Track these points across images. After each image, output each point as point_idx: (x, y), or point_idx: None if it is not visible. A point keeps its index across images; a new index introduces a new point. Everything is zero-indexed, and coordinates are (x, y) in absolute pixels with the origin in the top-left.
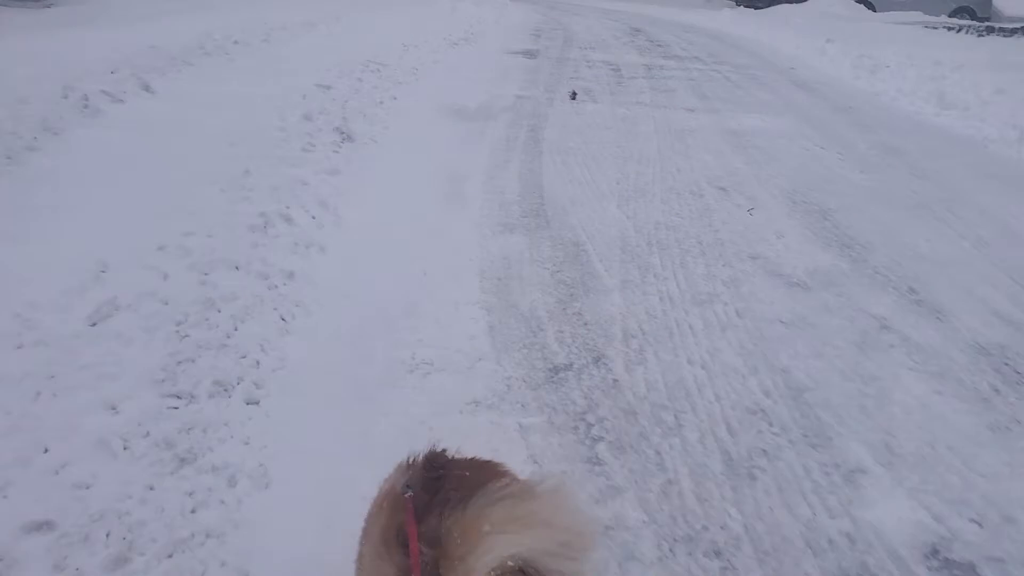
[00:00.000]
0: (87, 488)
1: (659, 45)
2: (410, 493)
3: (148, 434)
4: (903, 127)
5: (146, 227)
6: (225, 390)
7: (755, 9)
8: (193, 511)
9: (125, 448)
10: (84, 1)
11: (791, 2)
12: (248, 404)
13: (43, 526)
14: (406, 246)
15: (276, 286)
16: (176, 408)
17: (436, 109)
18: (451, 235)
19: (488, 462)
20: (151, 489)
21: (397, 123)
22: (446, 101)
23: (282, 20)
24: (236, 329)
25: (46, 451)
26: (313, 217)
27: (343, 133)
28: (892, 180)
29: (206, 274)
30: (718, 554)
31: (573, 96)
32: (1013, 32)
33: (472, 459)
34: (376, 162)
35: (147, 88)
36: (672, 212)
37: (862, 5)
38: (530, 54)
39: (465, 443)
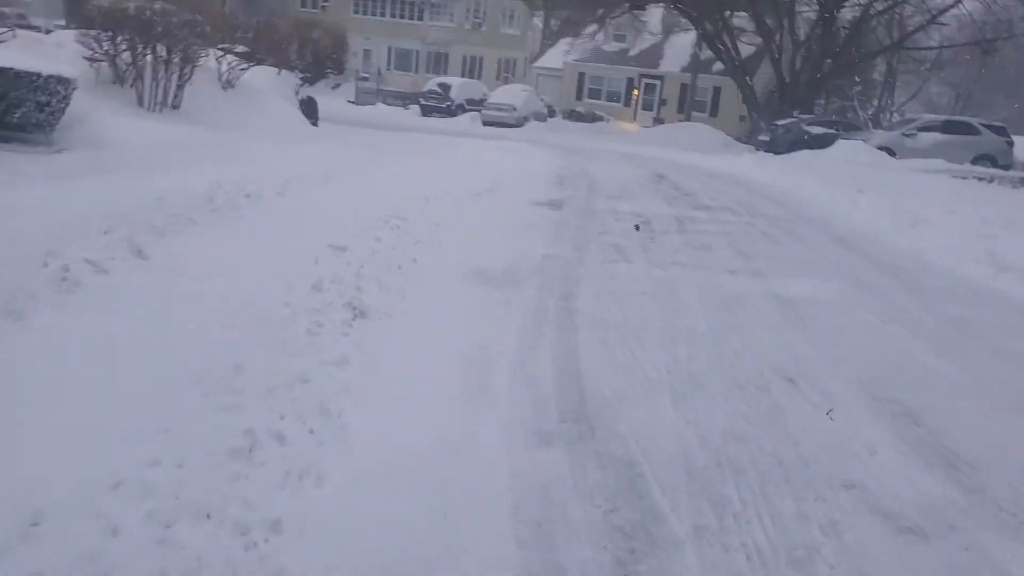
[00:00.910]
0: None
1: (686, 194)
2: None
3: None
4: (962, 293)
5: (103, 452)
6: None
7: (776, 154)
8: None
9: None
10: (100, 147)
11: (812, 148)
12: None
13: None
14: (423, 469)
15: (255, 543)
16: None
17: (458, 271)
18: (476, 450)
19: None
20: None
21: (415, 291)
22: (469, 261)
23: (301, 171)
24: None
25: None
26: (311, 431)
27: (355, 309)
28: (976, 367)
29: (167, 527)
30: None
31: (637, 228)
32: None
33: None
34: (391, 345)
35: (139, 253)
36: (739, 415)
37: (884, 152)
38: (555, 205)
39: None
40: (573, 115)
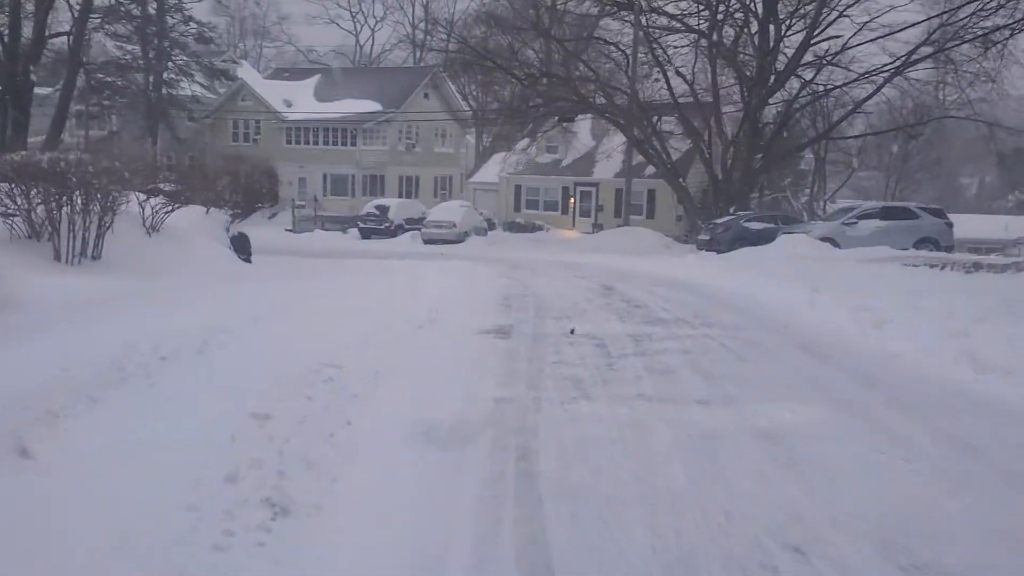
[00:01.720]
0: None
1: (637, 306)
2: None
3: None
4: (950, 403)
5: None
6: None
7: (718, 253)
8: None
9: None
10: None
11: (754, 244)
12: None
13: None
14: None
15: None
16: None
17: (400, 432)
18: None
19: None
20: None
21: (351, 468)
22: (412, 417)
23: (225, 319)
24: None
25: None
26: None
27: (275, 506)
28: (996, 503)
29: None
30: None
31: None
32: (1004, 269)
33: None
34: (318, 555)
35: (23, 452)
36: None
37: (827, 243)
38: (503, 332)
39: None
40: (513, 226)
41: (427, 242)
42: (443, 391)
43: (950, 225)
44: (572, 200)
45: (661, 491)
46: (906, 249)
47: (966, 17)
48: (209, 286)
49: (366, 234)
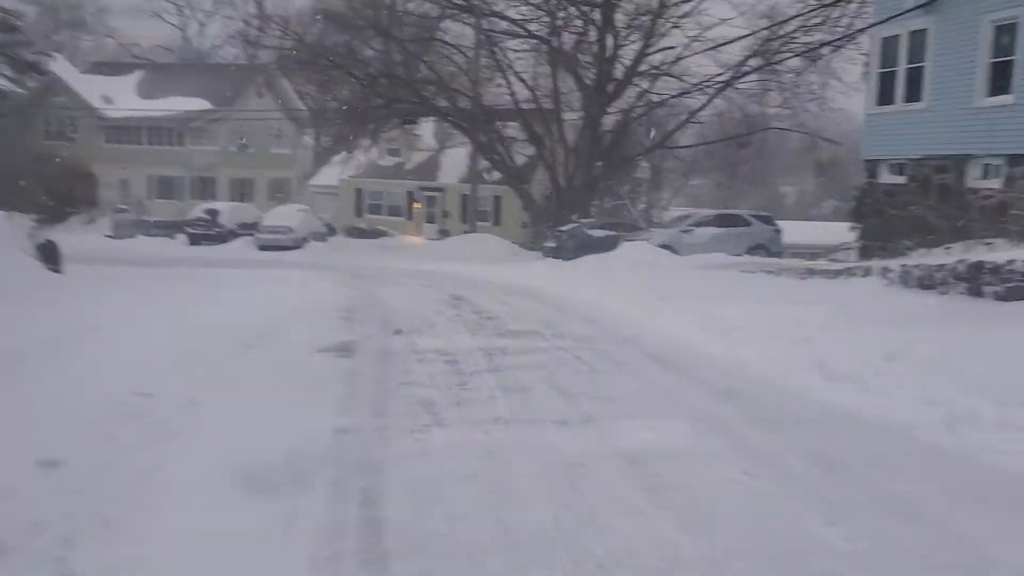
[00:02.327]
0: None
1: (488, 318)
2: None
3: None
4: (808, 416)
5: None
6: None
7: (564, 260)
8: None
9: None
10: None
11: (597, 251)
12: None
13: None
14: None
15: None
16: None
17: (220, 476)
18: None
19: None
20: None
21: (156, 529)
22: (235, 456)
23: (20, 345)
24: None
25: None
26: None
27: None
28: (876, 533)
29: None
30: None
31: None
32: (837, 274)
33: None
34: None
35: None
36: None
37: (666, 250)
38: (345, 350)
39: None
40: (355, 232)
41: (262, 248)
42: (274, 423)
43: (779, 232)
44: (417, 205)
45: (526, 537)
46: (740, 255)
47: (790, 32)
48: (3, 303)
49: (195, 240)
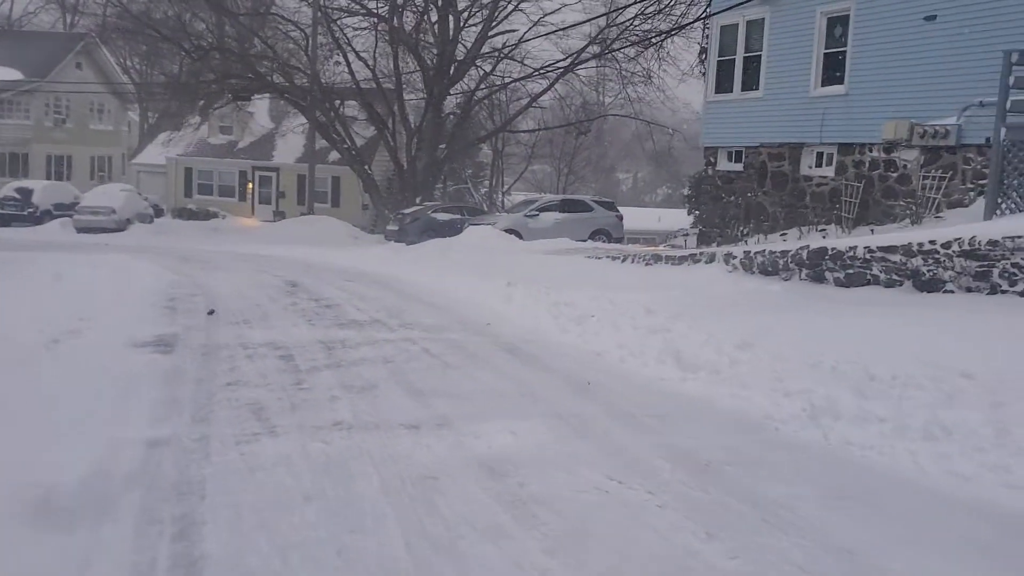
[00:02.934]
0: None
1: (327, 306)
2: None
3: None
4: (669, 411)
5: None
6: None
7: (407, 244)
8: None
9: None
10: None
11: (442, 235)
12: None
13: None
14: None
15: None
16: None
17: (4, 506)
18: None
19: None
20: None
21: None
22: (24, 477)
23: None
24: None
25: None
26: None
27: None
28: (754, 546)
29: None
30: None
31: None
32: (682, 260)
33: None
34: None
35: None
36: None
37: (512, 235)
38: (164, 344)
39: None
40: (184, 213)
41: (80, 231)
42: (75, 435)
43: (620, 218)
44: (250, 186)
45: (372, 571)
46: (584, 240)
47: (628, 20)
48: None
49: (5, 221)
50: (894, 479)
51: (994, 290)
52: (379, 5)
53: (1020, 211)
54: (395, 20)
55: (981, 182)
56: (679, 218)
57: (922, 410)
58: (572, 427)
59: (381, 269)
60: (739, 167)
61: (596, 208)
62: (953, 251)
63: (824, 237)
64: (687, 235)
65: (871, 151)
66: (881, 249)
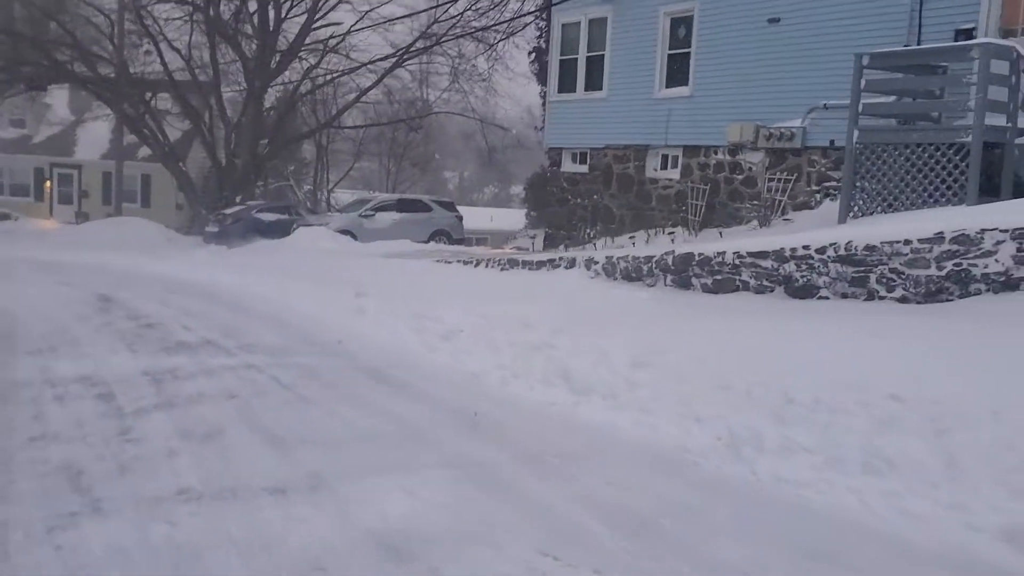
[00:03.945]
0: None
1: (149, 325)
2: None
3: None
4: (573, 446)
5: None
6: None
7: (229, 248)
8: None
9: None
10: None
11: (268, 237)
12: None
13: None
14: None
15: None
16: None
17: None
18: None
19: None
20: None
21: None
22: None
23: None
24: None
25: None
26: None
27: None
28: None
29: None
30: None
31: None
32: (540, 265)
33: None
34: None
35: None
36: None
37: (346, 235)
38: None
39: None
40: None
41: None
42: None
43: (460, 218)
44: (48, 184)
45: None
46: (425, 242)
47: (459, 14)
48: None
49: None
50: (848, 526)
51: (871, 296)
52: None
53: (869, 213)
54: (211, 10)
55: (826, 184)
56: (510, 217)
57: (854, 438)
58: (475, 479)
59: (204, 277)
60: (584, 169)
61: (435, 208)
62: (828, 256)
63: (672, 240)
64: (533, 237)
65: (716, 153)
66: (751, 254)
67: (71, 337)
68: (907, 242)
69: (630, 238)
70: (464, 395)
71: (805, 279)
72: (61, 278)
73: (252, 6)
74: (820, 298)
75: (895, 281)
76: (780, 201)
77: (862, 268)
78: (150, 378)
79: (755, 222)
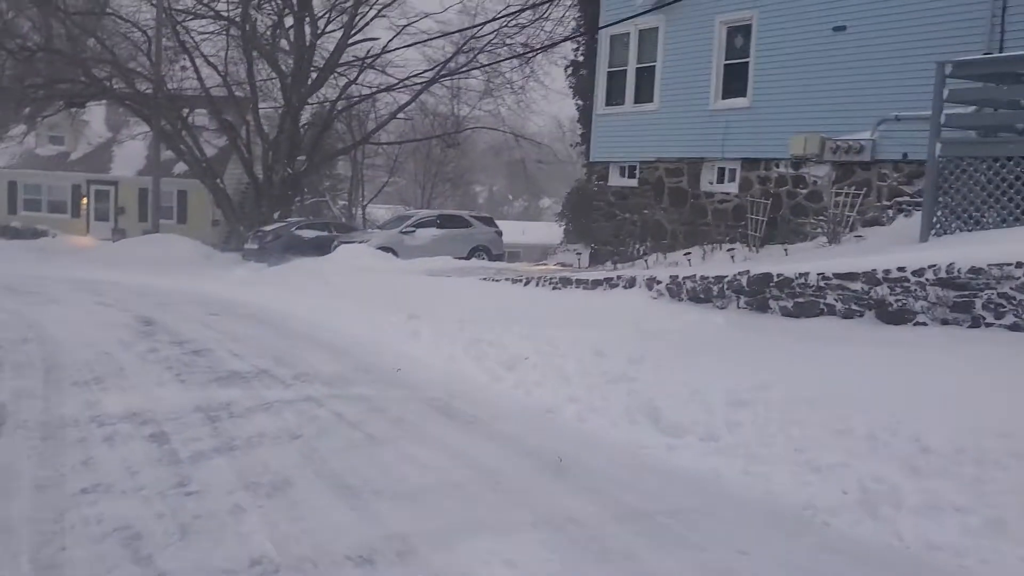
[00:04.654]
0: None
1: (196, 351)
2: None
3: None
4: (676, 499)
5: None
6: None
7: (269, 265)
8: None
9: None
10: None
11: (308, 254)
12: None
13: None
14: None
15: None
16: None
17: None
18: None
19: None
20: None
21: None
22: None
23: None
24: None
25: None
26: None
27: None
28: None
29: None
30: None
31: None
32: (596, 284)
33: None
34: None
35: None
36: None
37: (388, 252)
38: None
39: None
40: (8, 232)
41: None
42: None
43: (500, 233)
44: (85, 201)
45: None
46: (465, 258)
47: (495, 31)
48: None
49: None
50: None
51: (976, 323)
52: (231, 8)
53: (951, 231)
54: (248, 26)
55: (898, 199)
56: (540, 231)
57: (1015, 498)
58: (580, 544)
59: (247, 297)
60: (633, 183)
61: (475, 223)
62: (927, 279)
63: (732, 257)
64: (579, 253)
65: (778, 166)
66: (838, 276)
67: (116, 366)
68: (1020, 264)
69: (685, 254)
70: (539, 433)
71: (900, 303)
72: (101, 298)
73: (288, 21)
74: (917, 324)
75: (1004, 307)
76: (849, 217)
77: (966, 292)
78: (203, 415)
79: (822, 238)
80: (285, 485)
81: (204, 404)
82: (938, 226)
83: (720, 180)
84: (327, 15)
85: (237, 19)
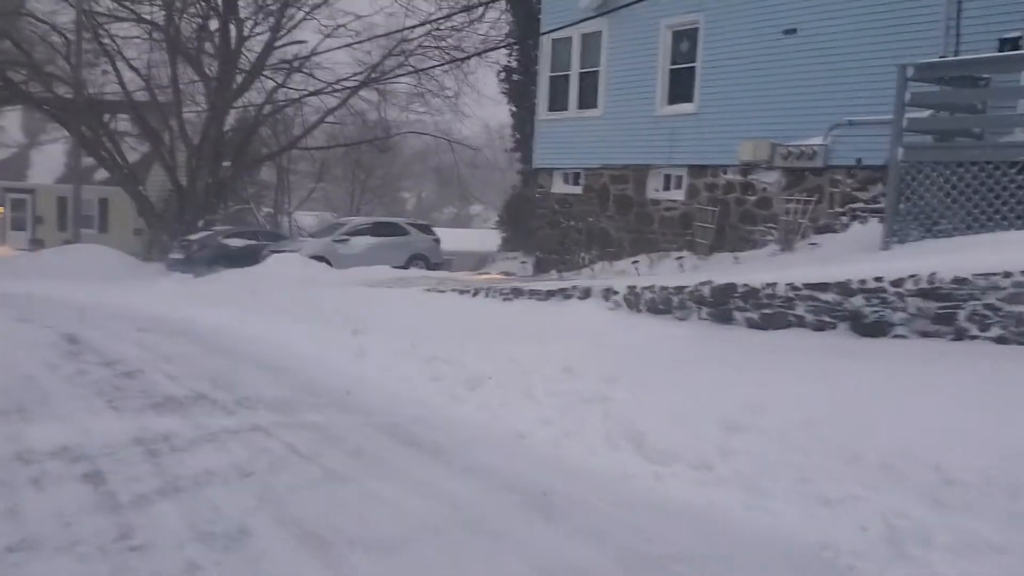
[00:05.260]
0: None
1: (127, 373)
2: None
3: None
4: (681, 541)
5: None
6: None
7: (196, 276)
8: None
9: None
10: None
11: (237, 264)
12: None
13: None
14: None
15: None
16: None
17: None
18: None
19: None
20: None
21: None
22: None
23: None
24: None
25: None
26: None
27: None
28: None
29: None
30: None
31: None
32: (549, 295)
33: None
34: None
35: None
36: None
37: (320, 262)
38: None
39: None
40: None
41: None
42: None
43: (438, 241)
44: (1, 210)
45: None
46: (403, 267)
47: (424, 36)
48: None
49: None
50: None
51: (960, 335)
52: (153, 11)
53: (912, 240)
54: (171, 28)
55: (852, 206)
56: (471, 237)
57: None
58: None
59: (176, 312)
60: (578, 190)
61: (412, 231)
62: (906, 290)
63: (680, 265)
64: (524, 262)
65: (726, 173)
66: (808, 286)
67: (41, 392)
68: (1007, 275)
69: (632, 262)
70: (514, 462)
71: (877, 315)
72: (20, 313)
73: (214, 24)
74: (896, 336)
75: (990, 318)
76: (801, 224)
77: (949, 304)
78: (142, 448)
79: (773, 246)
80: (242, 535)
81: (142, 436)
82: (900, 233)
83: (667, 187)
84: (254, 18)
85: (160, 22)
